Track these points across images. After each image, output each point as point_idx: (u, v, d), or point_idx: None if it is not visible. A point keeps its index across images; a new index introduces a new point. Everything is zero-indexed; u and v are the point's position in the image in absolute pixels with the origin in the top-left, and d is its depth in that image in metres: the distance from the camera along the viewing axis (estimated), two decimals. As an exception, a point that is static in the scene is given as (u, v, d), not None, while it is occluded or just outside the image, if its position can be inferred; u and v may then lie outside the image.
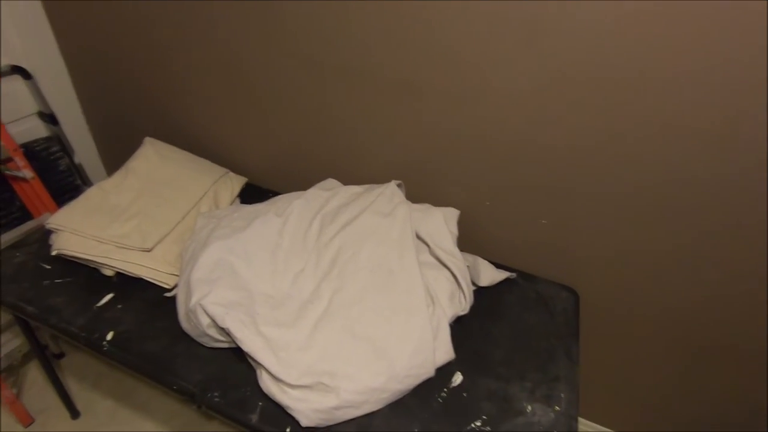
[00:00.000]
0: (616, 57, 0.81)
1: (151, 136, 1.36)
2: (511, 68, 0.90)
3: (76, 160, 1.52)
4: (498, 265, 1.12)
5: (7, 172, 1.25)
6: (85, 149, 1.59)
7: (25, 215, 1.38)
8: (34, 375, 1.52)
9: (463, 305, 0.94)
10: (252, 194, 1.33)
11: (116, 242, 1.01)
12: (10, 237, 1.28)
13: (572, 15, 0.80)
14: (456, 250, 0.99)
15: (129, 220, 1.06)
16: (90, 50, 1.38)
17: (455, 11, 0.88)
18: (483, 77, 0.93)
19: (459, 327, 0.94)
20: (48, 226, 1.03)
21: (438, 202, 1.12)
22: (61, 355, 1.58)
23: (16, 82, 1.35)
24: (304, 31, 1.04)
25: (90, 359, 1.58)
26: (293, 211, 1.01)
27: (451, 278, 0.96)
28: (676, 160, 0.87)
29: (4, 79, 1.30)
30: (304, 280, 0.92)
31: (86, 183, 1.57)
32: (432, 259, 0.99)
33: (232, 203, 1.26)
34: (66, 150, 1.48)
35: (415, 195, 1.14)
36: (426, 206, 1.07)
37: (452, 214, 1.08)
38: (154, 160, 1.24)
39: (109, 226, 1.03)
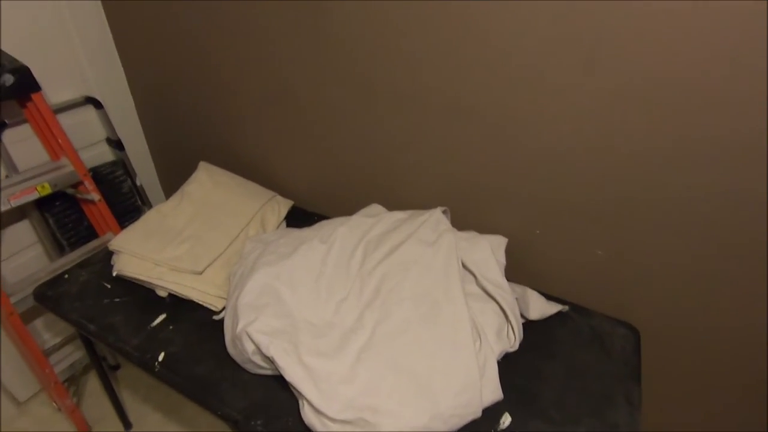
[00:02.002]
0: (679, 77, 0.76)
1: (205, 159, 1.43)
2: (568, 92, 0.86)
3: (138, 182, 1.62)
4: (548, 297, 1.06)
5: (78, 195, 1.35)
6: (145, 172, 1.69)
7: (91, 234, 1.48)
8: (93, 385, 1.60)
9: (511, 341, 0.90)
10: (298, 217, 1.36)
11: (170, 264, 1.05)
12: (78, 255, 1.38)
13: (632, 39, 0.76)
14: (504, 282, 0.95)
15: (182, 243, 1.11)
16: (153, 80, 1.48)
17: (511, 36, 0.86)
18: (538, 102, 0.90)
19: (507, 363, 0.90)
20: (110, 248, 1.10)
21: (485, 230, 1.09)
22: (117, 367, 1.66)
23: (88, 112, 1.46)
24: (356, 57, 1.05)
25: (143, 372, 1.65)
26: (337, 238, 1.02)
27: (499, 311, 0.92)
28: (748, 188, 0.80)
29: (77, 109, 1.42)
30: (347, 308, 0.91)
31: (146, 203, 1.66)
32: (478, 290, 0.95)
33: (278, 226, 1.29)
34: (129, 173, 1.58)
35: (461, 221, 1.11)
36: (472, 234, 1.04)
37: (500, 242, 1.04)
38: (207, 185, 1.30)
39: (164, 249, 1.08)
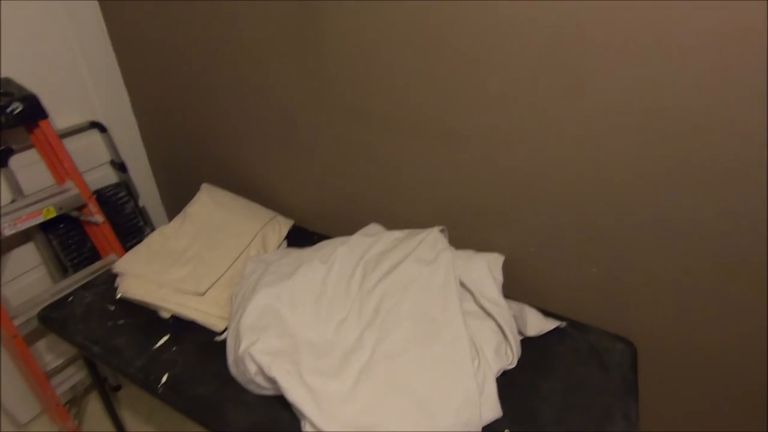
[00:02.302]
0: (676, 90, 0.79)
1: (207, 180, 1.46)
2: (558, 117, 0.90)
3: (140, 203, 1.65)
4: (546, 313, 1.08)
5: (82, 218, 1.37)
6: (148, 194, 1.72)
7: (95, 255, 1.50)
8: (94, 407, 1.60)
9: (509, 358, 0.91)
10: (298, 236, 1.38)
11: (173, 286, 1.07)
12: (81, 276, 1.40)
13: (620, 64, 0.79)
14: (501, 300, 0.97)
15: (185, 264, 1.13)
16: (156, 104, 1.52)
17: (500, 62, 0.89)
18: (529, 122, 0.93)
19: (506, 380, 0.91)
20: (114, 270, 1.11)
21: (482, 247, 1.11)
22: (118, 388, 1.66)
23: (93, 135, 1.50)
24: (350, 85, 1.09)
25: (144, 393, 1.65)
26: (337, 258, 1.04)
27: (497, 329, 0.93)
28: (739, 208, 0.82)
29: (82, 133, 1.46)
30: (347, 328, 0.93)
31: (148, 224, 1.69)
32: (476, 308, 0.97)
33: (279, 246, 1.31)
34: (132, 195, 1.61)
35: (458, 240, 1.13)
36: (469, 253, 1.06)
37: (497, 260, 1.06)
38: (209, 206, 1.32)
39: (167, 271, 1.10)
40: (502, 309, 0.94)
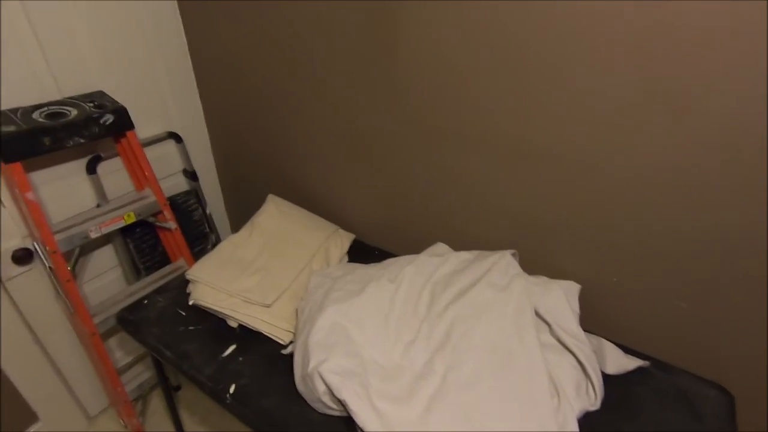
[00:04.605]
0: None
1: (271, 192, 1.49)
2: (656, 131, 0.83)
3: (208, 211, 1.71)
4: (625, 350, 1.00)
5: (158, 224, 1.44)
6: (214, 202, 1.78)
7: (165, 259, 1.57)
8: (155, 404, 1.66)
9: (592, 399, 0.85)
10: (359, 251, 1.38)
11: (242, 296, 1.09)
12: (153, 279, 1.46)
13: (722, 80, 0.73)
14: (581, 332, 0.90)
15: (253, 275, 1.15)
16: (227, 119, 1.58)
17: (594, 73, 0.85)
18: (620, 143, 0.87)
19: (585, 423, 0.84)
20: (187, 277, 1.15)
21: (555, 274, 1.06)
22: (178, 388, 1.72)
23: (169, 145, 1.58)
24: (422, 99, 1.08)
25: (201, 394, 1.70)
26: (405, 278, 1.02)
27: (577, 365, 0.87)
28: None
29: (160, 143, 1.54)
30: (416, 351, 0.90)
31: (213, 231, 1.75)
32: (553, 341, 0.91)
33: (341, 260, 1.31)
34: (201, 203, 1.68)
35: (529, 264, 1.08)
36: (544, 280, 1.00)
37: (573, 289, 1.00)
38: (276, 216, 1.35)
39: (236, 280, 1.13)
40: (582, 343, 0.88)
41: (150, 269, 1.53)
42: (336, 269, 1.18)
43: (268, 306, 1.08)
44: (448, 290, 0.98)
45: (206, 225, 1.72)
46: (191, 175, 1.63)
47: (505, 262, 1.01)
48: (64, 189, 1.30)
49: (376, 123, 1.20)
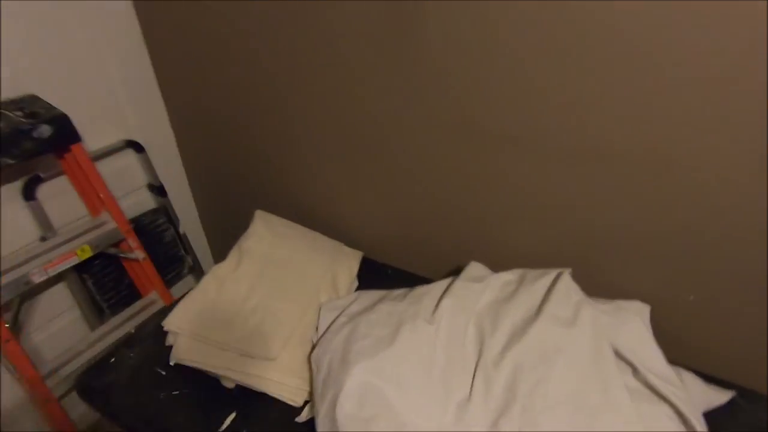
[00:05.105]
0: None
1: (255, 203, 1.26)
2: (732, 129, 0.66)
3: (181, 230, 1.46)
4: (705, 378, 0.84)
5: (121, 255, 1.18)
6: (188, 218, 1.52)
7: (133, 293, 1.32)
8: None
9: (701, 461, 0.68)
10: (368, 271, 1.17)
11: (238, 348, 0.87)
12: (120, 320, 1.21)
13: None
14: (672, 374, 0.74)
15: (249, 318, 0.92)
16: (199, 120, 1.32)
17: (671, 63, 0.67)
18: (705, 142, 0.70)
19: (690, 487, 0.68)
20: (166, 328, 0.92)
21: (613, 292, 0.88)
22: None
23: (127, 156, 1.31)
24: (457, 90, 0.87)
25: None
26: (443, 315, 0.82)
27: (674, 416, 0.70)
28: None
29: (115, 155, 1.27)
30: (473, 414, 0.71)
31: (189, 252, 1.50)
32: (638, 385, 0.74)
33: (351, 286, 1.10)
34: (172, 221, 1.42)
35: (579, 281, 0.90)
36: (611, 305, 0.83)
37: (642, 312, 0.83)
38: (267, 239, 1.12)
39: (229, 328, 0.90)
40: (678, 388, 0.72)
41: (115, 307, 1.28)
42: (350, 301, 0.97)
43: (272, 359, 0.87)
44: (500, 327, 0.80)
45: (180, 246, 1.47)
46: (158, 189, 1.37)
47: (564, 286, 0.83)
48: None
49: (393, 122, 0.99)
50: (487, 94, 0.84)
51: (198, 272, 1.56)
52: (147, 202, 1.40)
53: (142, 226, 1.34)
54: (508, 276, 0.92)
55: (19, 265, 0.97)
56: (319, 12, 0.92)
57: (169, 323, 0.91)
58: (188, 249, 1.50)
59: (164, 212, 1.41)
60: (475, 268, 0.95)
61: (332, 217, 1.26)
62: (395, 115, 0.98)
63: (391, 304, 0.88)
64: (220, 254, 1.65)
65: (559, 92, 0.78)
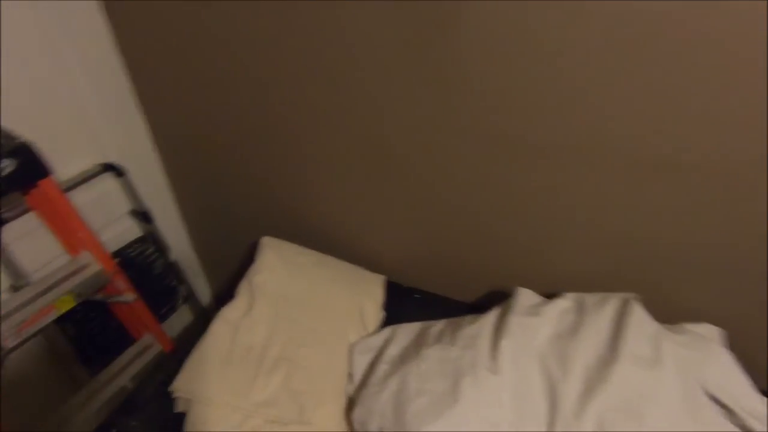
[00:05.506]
0: None
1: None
2: None
3: (172, 258, 1.30)
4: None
5: (110, 300, 1.02)
6: (178, 243, 1.36)
7: (124, 337, 1.16)
8: None
9: None
10: (393, 295, 1.06)
11: (266, 413, 0.74)
12: (112, 372, 1.06)
13: None
14: (771, 414, 0.66)
15: (272, 373, 0.80)
16: (184, 132, 1.15)
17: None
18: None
19: None
20: (175, 394, 0.78)
21: (675, 313, 0.81)
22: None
23: (105, 181, 1.14)
24: (498, 102, 0.76)
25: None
26: (505, 360, 0.72)
27: (781, 465, 0.62)
28: None
29: (91, 181, 1.09)
30: (557, 481, 0.61)
31: (182, 282, 1.35)
32: (734, 428, 0.66)
33: (378, 315, 0.99)
34: (161, 249, 1.26)
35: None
36: (687, 335, 0.75)
37: (719, 338, 0.75)
38: (279, 271, 0.99)
39: (250, 387, 0.77)
40: (781, 431, 0.64)
41: (103, 356, 1.12)
42: (384, 339, 0.87)
43: (306, 423, 0.74)
44: (571, 370, 0.70)
45: (172, 277, 1.31)
46: (143, 216, 1.20)
47: (637, 319, 0.73)
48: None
49: (422, 133, 0.86)
50: (534, 101, 0.73)
51: (193, 302, 1.41)
52: (131, 230, 1.23)
53: (128, 259, 1.18)
54: (563, 303, 0.82)
55: (-13, 329, 0.81)
56: (332, 13, 0.78)
57: (179, 388, 0.77)
58: (181, 278, 1.34)
59: (152, 240, 1.25)
60: (525, 297, 0.85)
61: (346, 238, 1.13)
62: (420, 125, 0.86)
63: (440, 349, 0.77)
64: (216, 278, 1.50)
65: (627, 98, 0.68)
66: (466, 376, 0.70)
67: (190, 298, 1.38)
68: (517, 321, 0.78)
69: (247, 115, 1.03)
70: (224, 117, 1.06)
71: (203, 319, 1.44)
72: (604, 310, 0.77)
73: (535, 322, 0.78)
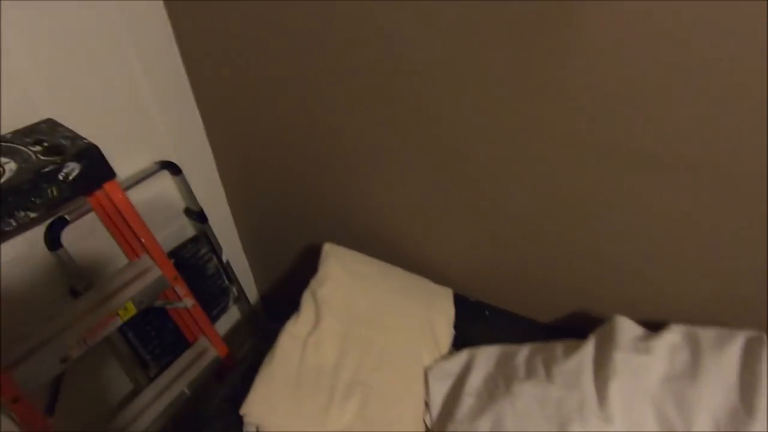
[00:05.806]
0: None
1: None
2: None
3: (224, 258, 1.26)
4: None
5: (169, 306, 0.99)
6: (229, 243, 1.32)
7: (178, 340, 1.13)
8: None
9: None
10: (460, 309, 0.97)
11: (343, 445, 0.69)
12: (170, 376, 1.03)
13: None
14: None
15: (347, 399, 0.74)
16: (242, 133, 1.10)
17: None
18: None
19: None
20: (246, 419, 0.73)
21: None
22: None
23: (161, 180, 1.09)
24: (598, 108, 0.66)
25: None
26: (615, 404, 0.63)
27: None
28: None
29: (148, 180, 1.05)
30: None
31: (234, 282, 1.30)
32: None
33: (450, 334, 0.92)
34: (214, 249, 1.22)
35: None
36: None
37: None
38: (345, 282, 0.92)
39: (326, 416, 0.72)
40: None
41: (159, 358, 1.09)
42: (461, 365, 0.80)
43: (388, 457, 0.69)
44: (695, 422, 0.61)
45: (224, 278, 1.28)
46: (198, 215, 1.16)
47: (772, 363, 0.63)
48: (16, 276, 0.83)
49: (506, 143, 0.78)
50: (640, 106, 0.63)
51: (243, 302, 1.37)
52: (185, 229, 1.19)
53: (182, 260, 1.14)
54: (672, 337, 0.72)
55: (51, 338, 0.77)
56: (413, 12, 0.69)
57: (250, 412, 0.72)
58: (233, 278, 1.30)
59: (205, 240, 1.21)
60: (627, 328, 0.75)
61: (406, 245, 1.05)
62: (506, 134, 0.77)
63: (536, 386, 0.69)
64: (263, 278, 1.46)
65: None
66: (573, 421, 0.62)
67: (240, 298, 1.34)
68: (623, 358, 0.69)
69: (305, 118, 0.96)
70: (282, 118, 1.00)
71: (253, 321, 1.42)
72: (727, 352, 0.67)
73: (645, 361, 0.69)
